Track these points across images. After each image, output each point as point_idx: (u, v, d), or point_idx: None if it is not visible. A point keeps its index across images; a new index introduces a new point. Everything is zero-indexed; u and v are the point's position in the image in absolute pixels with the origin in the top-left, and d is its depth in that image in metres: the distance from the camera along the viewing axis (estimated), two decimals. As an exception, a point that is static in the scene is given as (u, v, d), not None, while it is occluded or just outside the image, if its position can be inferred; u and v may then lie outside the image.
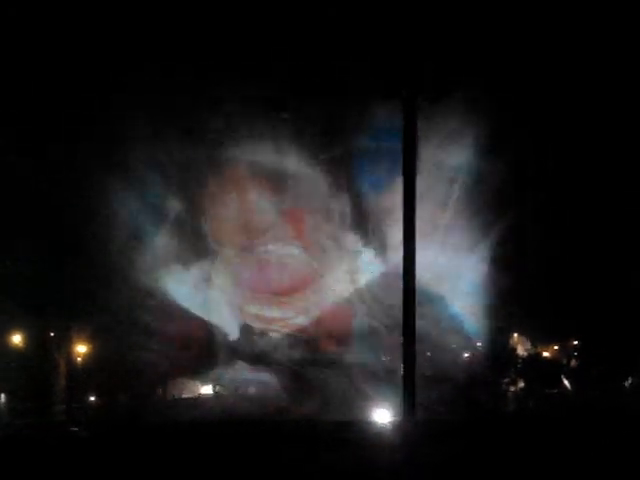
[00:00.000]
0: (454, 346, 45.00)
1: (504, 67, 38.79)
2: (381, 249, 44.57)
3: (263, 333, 44.97)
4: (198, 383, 47.44)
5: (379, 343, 43.01)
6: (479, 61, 37.68)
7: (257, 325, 45.08)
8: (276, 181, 44.13)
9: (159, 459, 22.41)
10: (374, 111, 41.14)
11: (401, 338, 15.25)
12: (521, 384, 45.78)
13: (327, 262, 45.37)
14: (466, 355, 45.68)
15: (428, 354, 41.35)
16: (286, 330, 45.08)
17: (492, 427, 30.03)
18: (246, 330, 45.06)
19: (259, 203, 44.20)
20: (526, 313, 42.71)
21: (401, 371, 15.30)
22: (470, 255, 44.18)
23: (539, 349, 47.10)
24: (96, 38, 38.53)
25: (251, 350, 44.64)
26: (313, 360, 43.77)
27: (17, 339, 41.77)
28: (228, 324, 45.08)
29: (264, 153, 43.44)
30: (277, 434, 28.26)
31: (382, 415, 36.76)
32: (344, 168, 44.09)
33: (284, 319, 45.11)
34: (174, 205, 44.64)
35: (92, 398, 44.64)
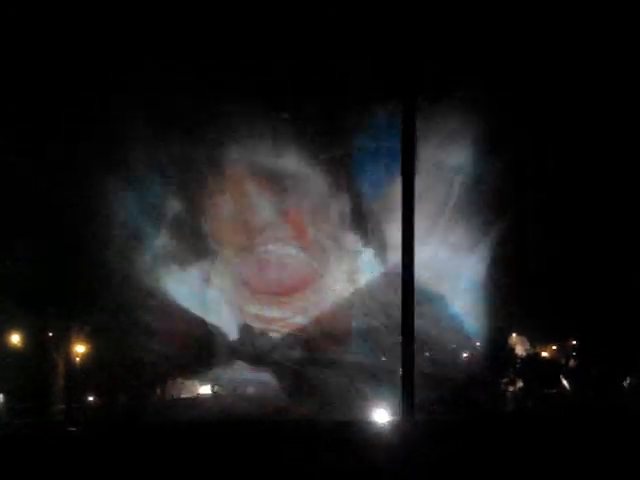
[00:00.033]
0: (453, 346, 45.03)
1: (504, 67, 38.81)
2: (381, 249, 44.59)
3: (263, 333, 44.97)
4: (197, 383, 47.45)
5: (378, 343, 43.00)
6: (479, 61, 37.70)
7: (257, 325, 45.08)
8: (276, 181, 44.16)
9: (158, 459, 22.41)
10: (374, 111, 41.21)
11: (400, 338, 15.24)
12: (520, 384, 45.80)
13: (327, 262, 45.39)
14: (465, 355, 45.70)
15: (427, 354, 41.41)
16: (286, 330, 45.08)
17: (491, 427, 30.05)
18: (245, 330, 45.05)
19: (259, 203, 44.22)
20: (525, 313, 42.71)
21: (400, 371, 15.30)
22: (469, 255, 44.21)
23: (538, 349, 47.12)
24: (96, 38, 38.54)
25: (250, 350, 44.64)
26: (312, 360, 43.77)
27: (16, 339, 41.74)
28: (227, 324, 45.08)
29: (264, 153, 43.46)
30: (275, 434, 28.25)
31: (381, 415, 36.78)
32: (344, 168, 44.11)
33: (284, 319, 45.12)
34: (174, 205, 44.67)
35: (91, 398, 44.63)
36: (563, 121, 40.20)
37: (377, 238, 44.61)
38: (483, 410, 40.38)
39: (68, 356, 42.38)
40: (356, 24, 36.38)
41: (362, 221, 44.89)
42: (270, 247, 44.68)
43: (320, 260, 45.42)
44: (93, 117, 39.90)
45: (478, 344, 45.39)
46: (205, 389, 47.46)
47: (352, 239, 45.32)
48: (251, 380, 45.03)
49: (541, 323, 43.89)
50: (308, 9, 37.36)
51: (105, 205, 42.15)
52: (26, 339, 41.80)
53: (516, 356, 46.29)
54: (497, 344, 45.47)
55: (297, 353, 44.35)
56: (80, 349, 42.53)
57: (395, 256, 39.21)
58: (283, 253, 44.94)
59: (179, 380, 46.33)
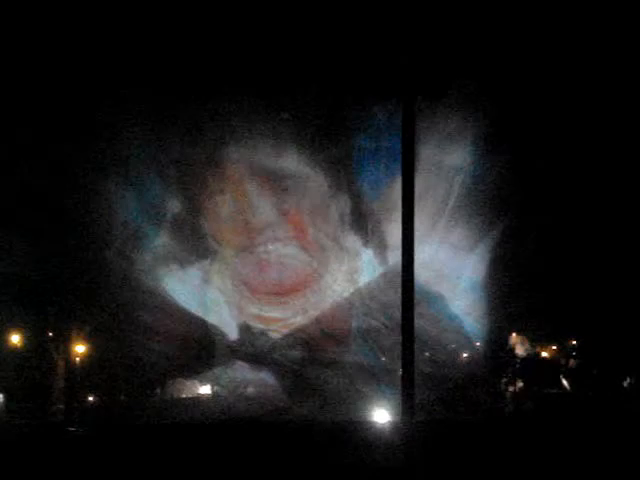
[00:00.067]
0: (453, 346, 45.04)
1: (503, 67, 38.81)
2: (381, 249, 44.61)
3: (262, 333, 44.94)
4: (197, 383, 47.45)
5: (378, 343, 43.01)
6: (479, 61, 37.69)
7: (256, 325, 45.06)
8: (276, 181, 44.16)
9: (157, 459, 22.41)
10: (374, 111, 41.23)
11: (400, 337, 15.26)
12: (520, 384, 45.79)
13: (327, 262, 45.38)
14: (465, 355, 45.70)
15: (427, 354, 41.42)
16: (285, 330, 45.06)
17: (491, 427, 30.05)
18: (245, 330, 45.03)
19: (259, 203, 44.21)
20: (525, 313, 42.70)
21: (400, 371, 15.31)
22: (470, 255, 44.23)
23: (538, 349, 47.12)
24: (96, 37, 38.54)
25: (250, 350, 44.62)
26: (312, 360, 43.76)
27: (16, 339, 41.72)
28: (227, 324, 45.08)
29: (264, 153, 43.48)
30: (276, 434, 28.25)
31: (381, 415, 36.79)
32: (344, 168, 44.12)
33: (284, 319, 45.10)
34: (174, 205, 44.68)
35: (91, 398, 44.63)
36: (563, 121, 40.21)
37: (377, 238, 44.62)
38: (483, 410, 40.37)
39: (68, 356, 42.36)
40: (356, 24, 36.36)
41: (362, 221, 44.90)
42: (270, 247, 44.67)
43: (320, 260, 45.41)
44: (93, 116, 39.90)
45: (478, 344, 45.40)
46: (205, 389, 47.47)
47: (352, 239, 45.34)
48: (251, 380, 45.03)
49: (541, 323, 43.89)
50: (308, 9, 37.37)
51: (105, 205, 42.17)
52: (26, 339, 41.78)
53: (516, 356, 46.29)
54: (497, 344, 45.47)
55: (297, 353, 44.34)
56: (80, 349, 42.49)
57: (395, 256, 39.23)
58: (283, 253, 44.93)
59: (179, 380, 46.32)
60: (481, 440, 24.81)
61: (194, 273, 44.98)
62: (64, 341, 42.28)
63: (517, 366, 45.92)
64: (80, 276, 40.77)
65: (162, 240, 44.49)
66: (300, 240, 45.02)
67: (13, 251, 39.58)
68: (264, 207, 44.29)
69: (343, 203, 44.78)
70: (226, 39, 38.84)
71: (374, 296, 43.99)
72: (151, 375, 43.35)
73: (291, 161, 43.53)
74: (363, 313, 44.19)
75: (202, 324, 44.32)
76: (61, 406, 42.06)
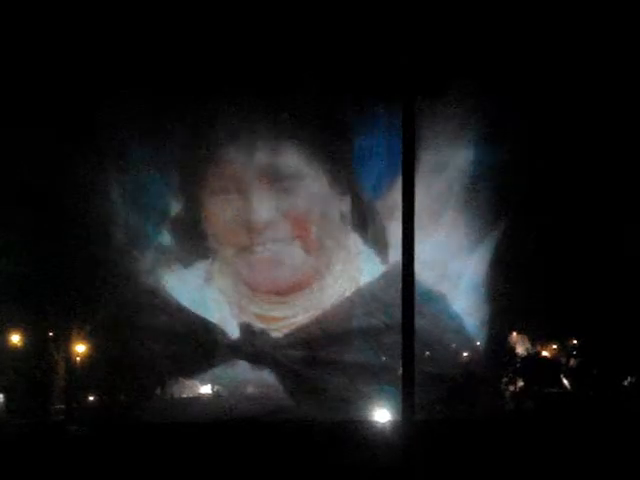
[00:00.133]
0: (454, 345, 45.03)
1: (503, 67, 38.81)
2: (381, 249, 44.58)
3: (263, 332, 44.93)
4: (197, 383, 47.44)
5: (379, 342, 42.99)
6: (479, 61, 37.70)
7: (257, 324, 45.04)
8: (276, 181, 44.15)
9: (158, 458, 22.41)
10: (374, 110, 41.22)
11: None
12: (520, 383, 45.77)
13: (327, 262, 45.37)
14: (465, 354, 45.67)
15: (427, 353, 41.40)
16: (286, 330, 45.05)
17: (491, 426, 30.04)
18: (246, 329, 45.00)
19: (259, 203, 44.18)
20: (526, 312, 42.69)
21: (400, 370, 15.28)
22: (471, 255, 44.22)
23: (538, 348, 47.09)
24: (96, 38, 38.55)
25: (251, 349, 44.60)
26: (313, 359, 43.75)
27: (16, 339, 41.70)
28: (228, 323, 45.07)
29: (264, 153, 43.47)
30: (276, 434, 28.25)
31: (382, 415, 36.79)
32: (344, 168, 44.12)
33: (284, 318, 45.09)
34: (174, 205, 44.70)
35: (91, 398, 44.61)
36: (563, 121, 40.20)
37: (377, 238, 44.60)
38: (483, 410, 40.36)
39: (68, 356, 42.33)
40: (356, 24, 36.38)
41: (362, 221, 44.88)
42: (271, 247, 44.65)
43: (321, 259, 45.40)
44: (93, 117, 39.92)
45: (479, 343, 45.38)
46: (206, 389, 47.48)
47: (352, 239, 45.32)
48: (251, 379, 45.02)
49: (541, 322, 43.89)
50: (308, 10, 37.38)
51: (106, 205, 42.18)
52: (26, 339, 41.76)
53: (516, 355, 46.26)
54: (497, 343, 45.44)
55: (298, 353, 44.32)
56: (80, 348, 42.46)
57: (396, 255, 39.20)
58: (284, 253, 44.93)
59: (179, 379, 46.31)
60: (481, 439, 24.80)
61: (195, 273, 45.00)
62: (64, 341, 42.26)
63: (518, 365, 45.88)
64: (80, 276, 40.76)
65: (163, 240, 44.51)
66: (301, 240, 45.01)
67: (13, 251, 39.60)
68: (265, 207, 44.27)
69: (344, 203, 44.77)
70: (226, 39, 38.85)
71: (375, 295, 43.97)
72: (151, 375, 43.34)
73: (291, 161, 43.54)
74: (364, 312, 44.18)
75: (203, 324, 44.32)
76: (61, 406, 42.05)
